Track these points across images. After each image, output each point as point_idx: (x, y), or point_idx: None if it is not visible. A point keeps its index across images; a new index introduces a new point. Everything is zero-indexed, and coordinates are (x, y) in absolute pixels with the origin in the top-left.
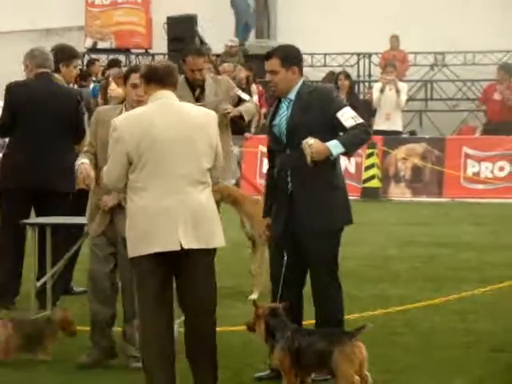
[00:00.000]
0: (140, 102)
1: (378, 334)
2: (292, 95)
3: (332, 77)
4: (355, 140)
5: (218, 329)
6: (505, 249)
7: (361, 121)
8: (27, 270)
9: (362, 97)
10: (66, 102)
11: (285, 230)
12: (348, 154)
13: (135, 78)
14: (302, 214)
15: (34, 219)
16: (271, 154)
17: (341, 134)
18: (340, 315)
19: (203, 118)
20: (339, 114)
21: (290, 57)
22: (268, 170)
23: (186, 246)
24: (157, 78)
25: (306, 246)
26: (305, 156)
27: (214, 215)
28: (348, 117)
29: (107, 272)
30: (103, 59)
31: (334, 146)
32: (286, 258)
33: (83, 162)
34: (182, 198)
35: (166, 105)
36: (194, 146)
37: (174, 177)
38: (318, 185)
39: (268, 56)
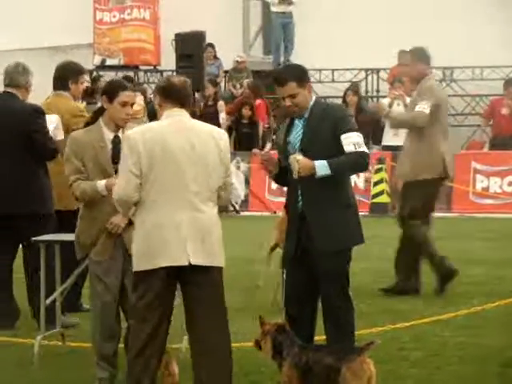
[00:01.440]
0: (127, 121)
1: (386, 349)
2: (306, 113)
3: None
4: (344, 166)
5: None
6: None
7: (362, 150)
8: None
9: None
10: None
11: (297, 249)
12: (333, 181)
13: (124, 96)
14: (313, 233)
15: (42, 236)
16: (284, 171)
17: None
18: (351, 332)
19: (216, 135)
20: (343, 137)
21: (303, 75)
22: (288, 193)
23: (193, 262)
24: (174, 96)
25: (317, 265)
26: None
27: (220, 234)
28: (350, 142)
29: (114, 303)
30: (112, 76)
31: (321, 167)
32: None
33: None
34: (193, 215)
35: (180, 122)
36: (205, 164)
37: (186, 193)
38: (329, 203)
39: (282, 82)
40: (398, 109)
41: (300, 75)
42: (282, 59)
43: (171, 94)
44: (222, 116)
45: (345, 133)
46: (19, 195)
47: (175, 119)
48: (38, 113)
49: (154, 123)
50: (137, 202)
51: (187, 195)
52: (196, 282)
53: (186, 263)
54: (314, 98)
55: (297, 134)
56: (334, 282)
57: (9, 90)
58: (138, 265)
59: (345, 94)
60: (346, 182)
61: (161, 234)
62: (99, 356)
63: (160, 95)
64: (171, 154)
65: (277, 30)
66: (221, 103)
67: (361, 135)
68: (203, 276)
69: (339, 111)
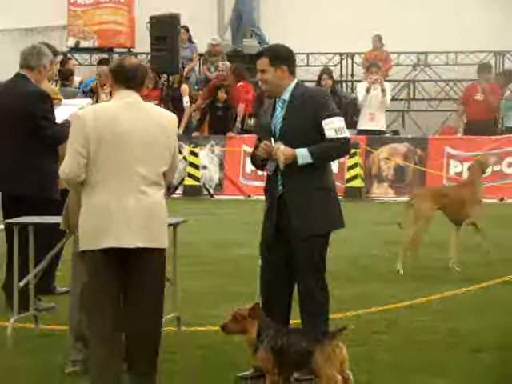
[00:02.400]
0: None
1: (360, 333)
2: (286, 96)
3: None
4: (325, 154)
5: (202, 328)
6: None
7: (343, 135)
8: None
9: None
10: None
11: (276, 234)
12: (314, 164)
13: None
14: (292, 217)
15: (16, 219)
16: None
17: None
18: (325, 318)
19: (165, 119)
20: (324, 122)
21: (279, 56)
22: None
23: (141, 245)
24: (124, 78)
25: (295, 250)
26: (274, 158)
27: (165, 217)
28: (331, 127)
29: None
30: (86, 58)
31: (302, 156)
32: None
33: None
34: (138, 197)
35: (130, 104)
36: (154, 148)
37: (132, 175)
38: (309, 187)
39: (258, 55)
40: (375, 93)
41: (276, 54)
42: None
43: (121, 76)
44: (186, 99)
45: (327, 118)
46: (24, 178)
47: (125, 101)
48: (43, 97)
49: (103, 104)
50: (84, 182)
51: (134, 178)
52: (139, 263)
53: (134, 246)
54: (294, 81)
55: (278, 118)
56: (312, 267)
57: (22, 71)
58: (83, 244)
59: (320, 77)
60: (327, 167)
61: (106, 215)
62: (75, 337)
63: (111, 77)
64: (119, 136)
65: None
66: (184, 86)
67: (343, 119)
68: (146, 257)
69: (320, 95)
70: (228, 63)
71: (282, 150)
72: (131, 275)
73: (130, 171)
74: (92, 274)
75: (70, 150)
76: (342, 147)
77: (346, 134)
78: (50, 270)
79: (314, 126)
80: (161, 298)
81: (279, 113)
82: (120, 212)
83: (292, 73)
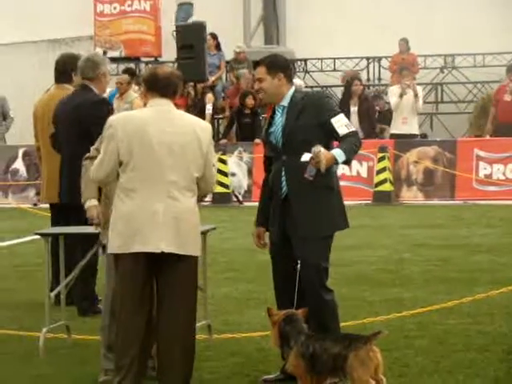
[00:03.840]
0: None
1: (392, 337)
2: (285, 102)
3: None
4: (353, 149)
5: (232, 335)
6: None
7: (353, 129)
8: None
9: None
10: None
11: (282, 236)
12: (348, 162)
13: None
14: (296, 217)
15: (47, 229)
16: (268, 161)
17: (333, 140)
18: (335, 321)
19: (198, 127)
20: (333, 121)
21: (276, 64)
22: (265, 177)
23: (166, 250)
24: (157, 87)
25: (297, 249)
26: (315, 163)
27: (197, 224)
28: (341, 124)
29: None
30: (113, 68)
31: (339, 155)
32: (299, 266)
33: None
34: (170, 203)
35: (161, 111)
36: (184, 155)
37: (164, 181)
38: (313, 188)
39: (256, 64)
40: (407, 98)
41: (272, 63)
42: None
43: (154, 85)
44: (208, 107)
45: (333, 116)
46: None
47: (157, 109)
48: (98, 104)
49: (136, 111)
50: (117, 187)
51: (164, 184)
52: (168, 269)
53: (159, 250)
54: (292, 88)
55: (278, 124)
56: (314, 268)
57: (84, 82)
58: (112, 247)
59: (350, 83)
60: (330, 168)
61: (136, 220)
62: (107, 346)
63: (144, 85)
64: (150, 143)
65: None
66: (209, 95)
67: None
68: (176, 264)
69: (321, 97)
70: (245, 71)
71: (323, 152)
72: (162, 282)
73: (160, 178)
74: (122, 279)
75: (102, 153)
76: (358, 139)
77: (353, 127)
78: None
79: (318, 128)
80: (192, 306)
81: (279, 119)
82: (150, 217)
83: (289, 80)
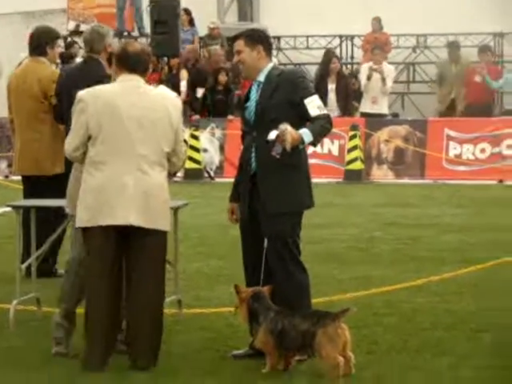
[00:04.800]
0: None
1: (361, 315)
2: (261, 77)
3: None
4: (322, 131)
5: (202, 310)
6: (486, 230)
7: (325, 112)
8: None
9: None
10: None
11: (250, 212)
12: (314, 144)
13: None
14: (263, 195)
15: (18, 202)
16: (243, 137)
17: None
18: (307, 299)
19: (168, 102)
20: (307, 101)
21: (255, 37)
22: (242, 153)
23: (134, 223)
24: (127, 64)
25: (264, 226)
26: (281, 141)
27: (167, 199)
28: (314, 105)
29: None
30: None
31: (306, 135)
32: (266, 242)
33: None
34: (139, 177)
35: (131, 86)
36: (154, 128)
37: (134, 155)
38: (281, 166)
39: (235, 37)
40: (377, 78)
41: (251, 35)
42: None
43: (125, 61)
44: (183, 84)
45: (308, 97)
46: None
47: (127, 84)
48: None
49: (106, 86)
50: (85, 161)
51: (134, 158)
52: (137, 244)
53: (127, 223)
54: (271, 64)
55: (253, 100)
56: (282, 247)
57: (91, 54)
58: (81, 221)
59: (328, 60)
60: (298, 146)
61: (105, 193)
62: (64, 315)
63: (115, 61)
64: (120, 117)
65: None
66: (183, 72)
67: (318, 97)
68: (145, 238)
69: (296, 75)
70: (217, 47)
71: (289, 131)
72: (131, 256)
73: (130, 151)
74: (91, 253)
75: (72, 131)
76: (329, 122)
77: (326, 110)
78: (52, 253)
79: (291, 106)
80: (160, 280)
81: (253, 95)
82: (119, 190)
83: (268, 54)
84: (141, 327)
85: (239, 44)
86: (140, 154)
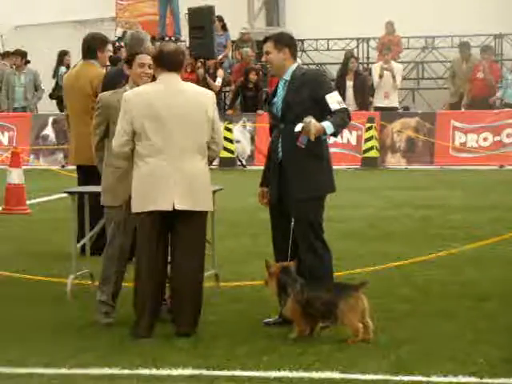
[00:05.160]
0: (144, 78)
1: (378, 286)
2: (287, 76)
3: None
4: (341, 123)
5: (237, 283)
6: (489, 209)
7: (344, 106)
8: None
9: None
10: None
11: (278, 196)
12: (335, 134)
13: (141, 58)
14: (289, 181)
15: (73, 188)
16: (271, 129)
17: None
18: (328, 270)
19: (202, 96)
20: (327, 97)
21: (282, 40)
22: (270, 143)
23: (178, 207)
24: (164, 63)
25: (291, 209)
26: (305, 132)
27: (207, 183)
28: (334, 100)
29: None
30: None
31: (328, 126)
32: (292, 222)
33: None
34: (182, 166)
35: (169, 84)
36: (192, 122)
37: (175, 147)
38: (305, 154)
39: (265, 39)
40: (388, 76)
41: (278, 39)
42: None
43: (162, 61)
44: (218, 79)
45: (328, 93)
46: None
47: (166, 82)
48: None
49: (148, 85)
50: (133, 155)
51: (176, 149)
52: (182, 223)
53: (171, 208)
54: (295, 64)
55: (280, 96)
56: (307, 227)
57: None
58: (134, 207)
59: (347, 60)
60: (321, 137)
61: (151, 183)
62: (111, 293)
63: (153, 62)
64: (161, 114)
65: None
66: (220, 70)
67: (338, 93)
68: (189, 218)
69: (319, 75)
70: (248, 50)
71: (313, 123)
72: (176, 234)
73: (172, 144)
74: (140, 234)
75: (118, 128)
76: (348, 115)
77: (345, 104)
78: (103, 233)
79: (314, 102)
80: (201, 256)
81: (280, 91)
82: (163, 180)
83: (293, 56)
84: (184, 299)
85: (268, 46)
86: (181, 146)
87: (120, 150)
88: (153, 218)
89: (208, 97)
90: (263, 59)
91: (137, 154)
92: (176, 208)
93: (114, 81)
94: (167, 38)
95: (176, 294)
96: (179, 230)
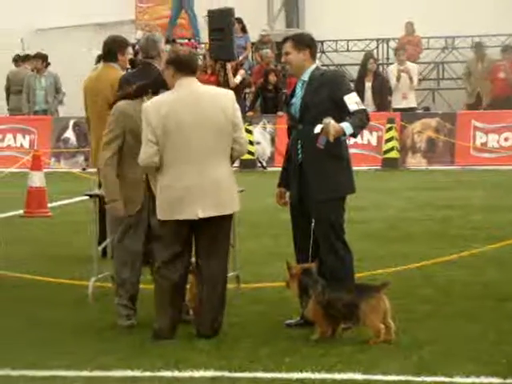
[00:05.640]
0: None
1: (399, 287)
2: (306, 77)
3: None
4: (360, 124)
5: (258, 285)
6: (509, 210)
7: (363, 107)
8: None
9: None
10: None
11: (299, 197)
12: (354, 135)
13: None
14: (310, 182)
15: (94, 191)
16: (289, 130)
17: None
18: (349, 271)
19: (221, 97)
20: (346, 98)
21: (302, 41)
22: (287, 144)
23: (201, 216)
24: (182, 67)
25: (312, 210)
26: (325, 133)
27: (232, 184)
28: (353, 101)
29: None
30: None
31: (347, 127)
32: (313, 223)
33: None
34: (205, 173)
35: (190, 90)
36: (213, 125)
37: (198, 154)
38: (325, 156)
39: (284, 40)
40: (404, 77)
41: (298, 39)
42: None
43: (180, 65)
44: (238, 78)
45: (346, 94)
46: None
47: (186, 88)
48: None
49: (168, 94)
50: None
51: (198, 156)
52: (207, 230)
53: (195, 218)
54: (314, 65)
55: (298, 97)
56: (328, 228)
57: (147, 60)
58: (160, 215)
59: (366, 61)
60: (340, 138)
61: (176, 191)
62: (128, 297)
63: (172, 67)
64: (182, 123)
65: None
66: (241, 71)
67: (356, 94)
68: (214, 224)
69: (337, 76)
70: (268, 51)
71: (332, 124)
72: (201, 239)
73: (196, 151)
74: (163, 241)
75: (144, 139)
76: (367, 116)
77: (363, 105)
78: None
79: (332, 103)
80: (226, 260)
81: (299, 92)
82: (187, 189)
83: (313, 57)
84: (207, 301)
85: (288, 46)
86: (204, 152)
87: (150, 161)
88: (178, 225)
89: (228, 97)
90: (282, 59)
91: (161, 163)
92: (199, 217)
93: (128, 83)
94: (186, 40)
95: (200, 297)
96: (204, 234)
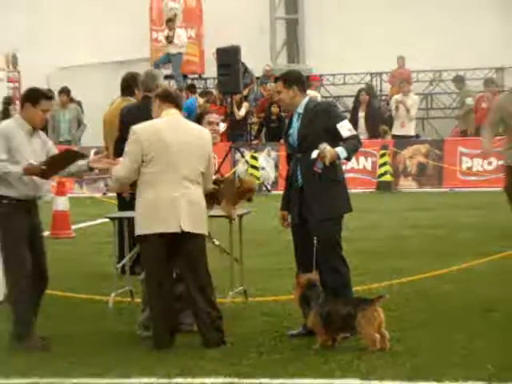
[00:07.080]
0: (212, 134)
1: (393, 299)
2: (300, 109)
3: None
4: (353, 148)
5: (264, 298)
6: (494, 228)
7: (355, 133)
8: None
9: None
10: None
11: (300, 219)
12: (348, 158)
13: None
14: (310, 204)
15: (114, 214)
16: (288, 157)
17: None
18: (348, 287)
19: (200, 133)
20: (339, 126)
21: (289, 79)
22: (287, 171)
23: (185, 229)
24: (170, 100)
25: (313, 229)
26: (321, 158)
27: (204, 208)
28: (345, 128)
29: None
30: (166, 83)
31: (341, 152)
32: (315, 242)
33: None
34: (184, 192)
35: (174, 120)
36: (192, 153)
37: (178, 175)
38: (323, 180)
39: (276, 79)
40: (403, 108)
41: (288, 78)
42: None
43: (168, 99)
44: (242, 110)
45: (339, 122)
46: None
47: (171, 118)
48: None
49: (156, 120)
50: (139, 182)
51: (179, 177)
52: (187, 244)
53: (179, 230)
54: (307, 97)
55: (295, 128)
56: (328, 245)
57: (146, 94)
58: (140, 229)
59: (358, 93)
60: (335, 162)
61: (158, 207)
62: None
63: (159, 100)
64: (167, 145)
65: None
66: (245, 104)
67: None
68: (192, 240)
69: (329, 107)
70: (272, 84)
71: (328, 149)
72: (182, 254)
73: (176, 172)
74: (148, 254)
75: (128, 158)
76: (359, 141)
77: (355, 131)
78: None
79: (327, 132)
80: (209, 273)
81: (295, 123)
82: (170, 203)
83: (302, 91)
84: (200, 308)
85: (279, 85)
86: (183, 174)
87: (129, 177)
88: (160, 239)
89: (207, 134)
90: (275, 98)
91: (144, 180)
92: (183, 230)
93: (131, 115)
94: (197, 76)
95: (193, 306)
96: (185, 251)
